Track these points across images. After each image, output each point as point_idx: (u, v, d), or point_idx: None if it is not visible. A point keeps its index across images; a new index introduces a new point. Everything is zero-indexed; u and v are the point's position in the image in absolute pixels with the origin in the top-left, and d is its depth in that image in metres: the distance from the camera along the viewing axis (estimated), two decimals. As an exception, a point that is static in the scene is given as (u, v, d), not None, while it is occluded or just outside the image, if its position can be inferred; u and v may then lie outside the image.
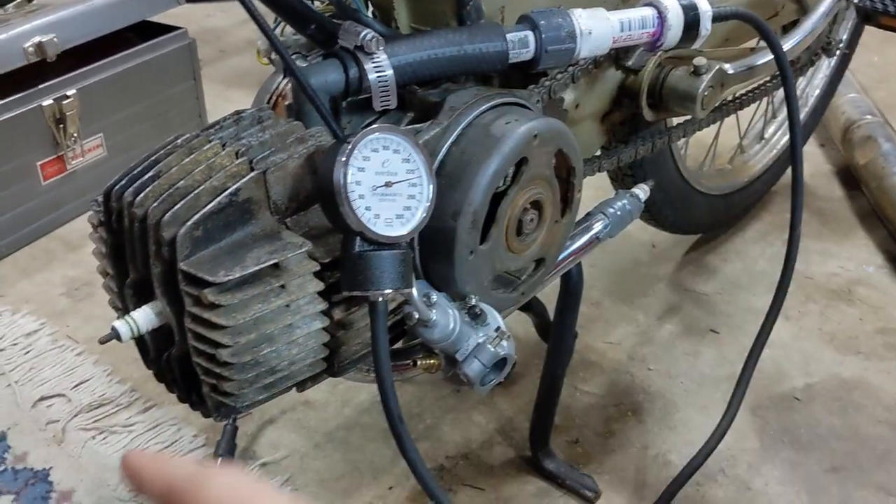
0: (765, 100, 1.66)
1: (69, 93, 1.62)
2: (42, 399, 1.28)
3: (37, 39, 1.56)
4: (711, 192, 1.52)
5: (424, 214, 0.66)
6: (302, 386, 0.74)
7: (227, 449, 1.17)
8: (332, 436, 1.24)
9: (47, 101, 1.59)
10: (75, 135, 1.65)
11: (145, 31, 1.80)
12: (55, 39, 1.58)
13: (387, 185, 0.65)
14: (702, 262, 1.62)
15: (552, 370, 1.12)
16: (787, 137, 1.72)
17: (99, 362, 1.35)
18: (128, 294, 0.70)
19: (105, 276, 0.73)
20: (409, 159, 0.66)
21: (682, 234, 1.59)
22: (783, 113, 1.74)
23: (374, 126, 0.65)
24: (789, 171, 1.71)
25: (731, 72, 1.01)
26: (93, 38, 1.67)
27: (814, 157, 1.94)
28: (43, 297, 1.52)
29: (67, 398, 1.29)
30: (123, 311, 0.72)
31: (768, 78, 1.28)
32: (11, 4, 1.69)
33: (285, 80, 0.86)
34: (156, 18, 1.84)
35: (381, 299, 0.66)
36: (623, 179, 1.28)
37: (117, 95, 1.72)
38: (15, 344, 1.39)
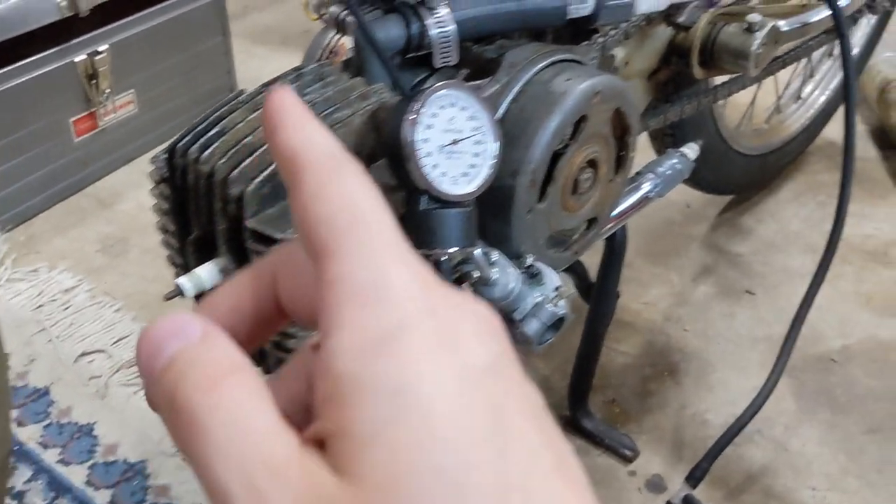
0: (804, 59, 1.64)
1: (101, 48, 1.61)
2: (83, 355, 1.29)
3: (68, -7, 1.55)
4: (748, 152, 1.50)
5: (490, 172, 0.66)
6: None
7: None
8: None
9: (80, 57, 1.58)
10: (108, 91, 1.64)
11: (174, -15, 1.79)
12: (86, -7, 1.57)
13: (453, 142, 0.64)
14: (736, 222, 1.60)
15: (594, 329, 1.12)
16: (823, 97, 1.70)
17: (137, 319, 1.35)
18: (189, 251, 0.70)
19: (164, 232, 0.73)
20: (474, 116, 0.65)
21: (717, 194, 1.58)
22: (820, 72, 1.71)
23: (441, 83, 0.64)
24: (825, 131, 1.72)
25: (784, 29, 1.00)
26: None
27: (848, 117, 1.92)
28: (78, 253, 1.53)
29: (108, 354, 1.30)
30: (183, 267, 0.72)
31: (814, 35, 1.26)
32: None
33: (338, 36, 0.85)
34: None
35: (444, 258, 0.66)
36: (663, 139, 1.27)
37: (148, 51, 1.71)
38: (54, 300, 1.40)
